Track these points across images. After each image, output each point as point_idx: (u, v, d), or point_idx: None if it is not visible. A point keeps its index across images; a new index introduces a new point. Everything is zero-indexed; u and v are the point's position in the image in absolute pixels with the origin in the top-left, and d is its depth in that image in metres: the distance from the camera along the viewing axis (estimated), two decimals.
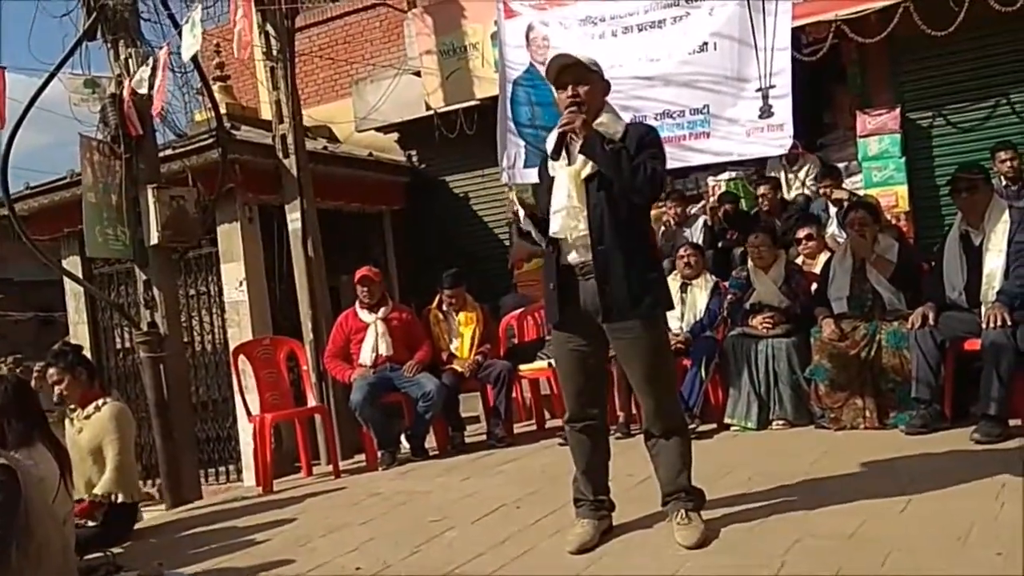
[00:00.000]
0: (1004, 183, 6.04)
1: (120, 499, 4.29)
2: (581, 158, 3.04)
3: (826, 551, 2.77)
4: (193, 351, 7.90)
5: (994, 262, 4.25)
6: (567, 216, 3.04)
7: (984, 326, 4.10)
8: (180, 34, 5.68)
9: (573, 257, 3.09)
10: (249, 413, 5.64)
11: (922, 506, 3.11)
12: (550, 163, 3.17)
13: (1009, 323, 4.01)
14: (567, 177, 3.06)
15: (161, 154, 6.77)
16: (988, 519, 2.88)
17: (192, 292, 7.96)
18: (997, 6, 5.96)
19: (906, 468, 3.66)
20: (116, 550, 4.02)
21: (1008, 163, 6.06)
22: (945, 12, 6.11)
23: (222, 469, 7.86)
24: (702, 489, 3.20)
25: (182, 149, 7.23)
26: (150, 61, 5.87)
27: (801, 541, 2.88)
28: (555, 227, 3.06)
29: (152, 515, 5.27)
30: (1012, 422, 4.08)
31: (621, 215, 3.03)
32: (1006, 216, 4.30)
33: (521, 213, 3.23)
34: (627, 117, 5.40)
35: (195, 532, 4.44)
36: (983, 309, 4.19)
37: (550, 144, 3.15)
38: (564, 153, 3.10)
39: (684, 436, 3.17)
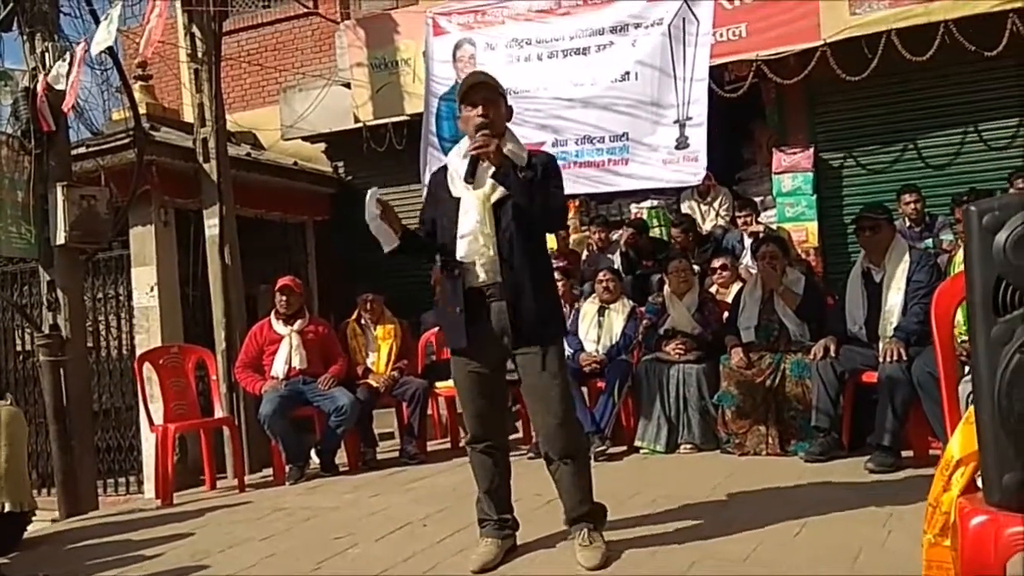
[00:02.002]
0: (908, 224, 6.32)
1: (7, 508, 4.09)
2: (490, 183, 3.01)
3: (720, 574, 2.83)
4: (98, 356, 7.62)
5: (893, 299, 4.44)
6: (474, 241, 3.00)
7: (881, 360, 4.27)
8: None
9: (481, 279, 3.05)
10: (152, 422, 5.46)
11: (815, 531, 3.21)
12: (452, 183, 3.12)
13: (904, 358, 4.20)
14: (476, 201, 3.02)
15: (75, 152, 6.54)
16: (875, 546, 2.99)
17: (100, 295, 7.69)
18: (908, 55, 6.28)
19: (803, 494, 3.78)
20: (1, 560, 3.84)
21: (912, 205, 6.35)
22: (860, 58, 6.42)
23: (122, 480, 7.56)
24: (605, 507, 3.21)
25: (97, 148, 6.99)
26: (67, 56, 5.69)
27: (698, 563, 2.94)
28: (462, 251, 3.02)
29: (43, 525, 5.04)
30: (905, 453, 4.25)
31: (529, 240, 3.06)
32: (906, 256, 4.50)
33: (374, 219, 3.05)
34: (548, 138, 5.55)
35: (87, 544, 4.25)
36: (881, 344, 4.37)
37: (458, 164, 3.11)
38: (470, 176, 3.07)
39: (583, 458, 3.17)
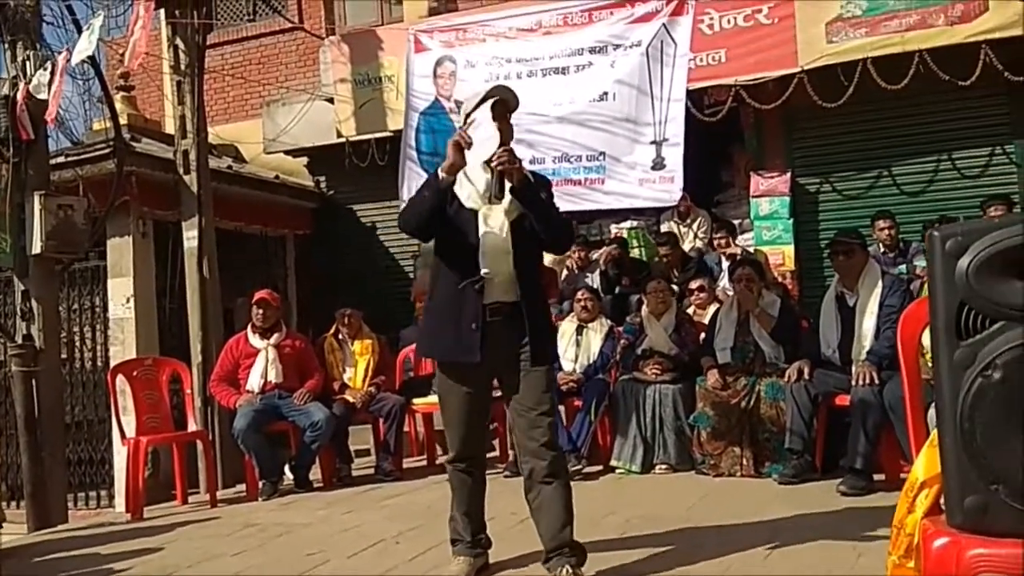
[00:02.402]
0: (882, 250, 6.40)
1: None
2: (508, 199, 2.96)
3: None
4: (71, 368, 7.53)
5: (866, 323, 4.50)
6: (496, 257, 2.95)
7: (854, 383, 4.32)
8: None
9: (495, 296, 2.98)
10: (124, 435, 5.40)
11: (786, 553, 3.22)
12: (465, 192, 3.03)
13: (876, 381, 4.24)
14: (501, 217, 2.97)
15: (54, 161, 6.52)
16: (846, 567, 3.01)
17: (75, 306, 7.62)
18: (884, 84, 6.40)
19: (775, 516, 3.80)
20: None
21: (886, 231, 6.44)
22: (836, 85, 6.53)
23: (93, 493, 7.47)
24: (583, 546, 3.09)
25: (76, 157, 6.96)
26: (48, 65, 5.68)
27: None
28: (486, 267, 2.95)
29: (10, 537, 4.96)
30: (877, 477, 4.28)
31: (537, 260, 3.11)
32: (879, 281, 4.57)
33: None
34: (525, 154, 5.59)
35: (55, 557, 4.19)
36: (854, 367, 4.42)
37: (474, 175, 3.02)
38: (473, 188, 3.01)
39: (567, 482, 3.06)
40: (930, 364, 3.25)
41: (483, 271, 2.95)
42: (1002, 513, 1.58)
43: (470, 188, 3.03)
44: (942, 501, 1.74)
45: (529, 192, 2.94)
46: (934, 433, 1.77)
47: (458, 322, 3.00)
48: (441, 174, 2.97)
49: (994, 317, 1.61)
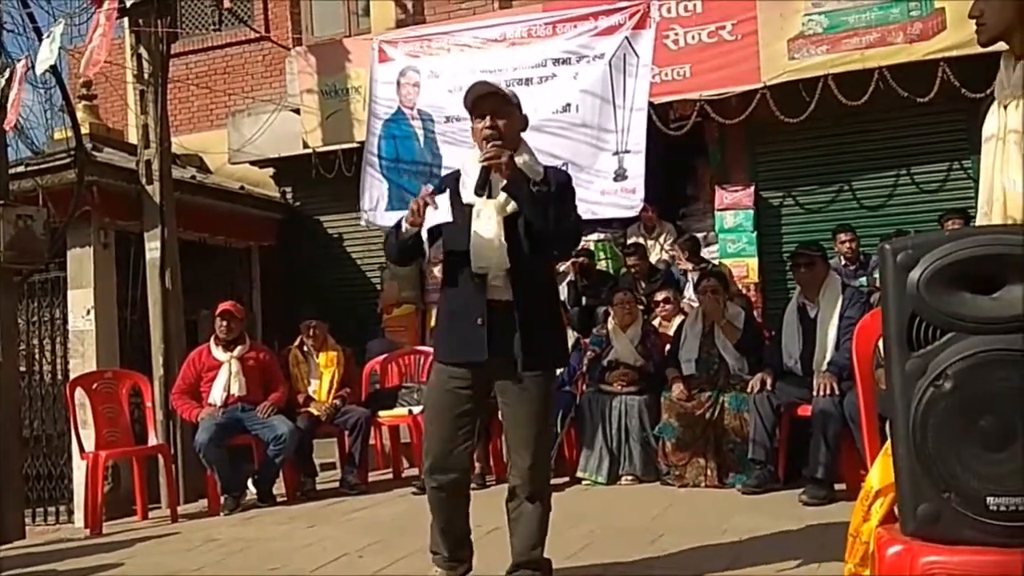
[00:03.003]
0: (843, 262, 6.51)
1: None
2: (504, 195, 2.87)
3: None
4: (30, 381, 7.39)
5: (827, 334, 4.56)
6: (490, 252, 2.86)
7: (815, 394, 4.37)
8: None
9: (493, 294, 2.89)
10: (82, 449, 5.31)
11: (748, 563, 3.25)
12: (464, 189, 2.95)
13: (837, 392, 4.30)
14: (492, 212, 2.87)
15: (13, 170, 6.40)
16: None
17: (35, 318, 7.48)
18: (844, 100, 6.51)
19: (738, 526, 3.83)
20: None
21: (847, 244, 6.54)
22: (798, 101, 6.63)
23: (52, 509, 7.31)
24: (550, 561, 3.06)
25: (36, 167, 6.84)
26: (7, 73, 5.60)
27: None
28: (479, 262, 2.87)
29: None
30: (838, 486, 4.33)
31: (539, 259, 2.96)
32: (840, 293, 4.64)
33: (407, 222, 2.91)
34: None
35: (11, 574, 4.11)
36: (816, 378, 4.47)
37: (472, 171, 2.93)
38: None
39: (547, 504, 2.99)
40: None
41: (474, 268, 2.88)
42: (954, 521, 1.61)
43: (469, 184, 2.94)
44: (896, 509, 1.76)
45: (520, 188, 2.83)
46: (888, 442, 1.79)
47: (464, 320, 2.91)
48: (404, 225, 2.97)
49: (945, 328, 1.64)
